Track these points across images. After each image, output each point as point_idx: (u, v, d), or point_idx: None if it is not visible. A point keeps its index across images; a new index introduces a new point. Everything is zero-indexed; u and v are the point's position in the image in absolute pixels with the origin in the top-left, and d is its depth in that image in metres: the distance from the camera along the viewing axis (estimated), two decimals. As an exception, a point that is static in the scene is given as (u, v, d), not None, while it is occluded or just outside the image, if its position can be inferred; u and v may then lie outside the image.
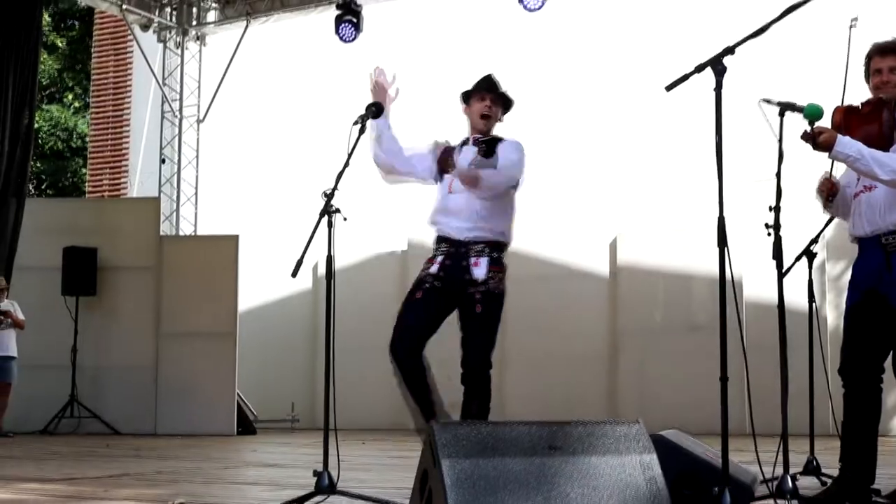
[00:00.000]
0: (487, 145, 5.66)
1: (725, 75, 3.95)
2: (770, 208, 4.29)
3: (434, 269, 5.62)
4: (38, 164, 26.00)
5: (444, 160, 5.73)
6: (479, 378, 5.89)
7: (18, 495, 5.35)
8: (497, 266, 5.64)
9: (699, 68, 3.98)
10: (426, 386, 5.88)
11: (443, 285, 5.60)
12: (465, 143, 5.80)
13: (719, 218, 3.93)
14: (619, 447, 3.52)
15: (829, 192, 4.87)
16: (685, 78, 4.01)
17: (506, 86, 5.96)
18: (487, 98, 5.81)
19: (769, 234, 4.28)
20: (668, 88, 4.03)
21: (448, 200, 5.68)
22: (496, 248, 5.65)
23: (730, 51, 3.96)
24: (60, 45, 28.10)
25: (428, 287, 5.61)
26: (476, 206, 5.57)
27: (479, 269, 5.58)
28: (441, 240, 5.71)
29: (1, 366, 12.21)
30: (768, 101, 4.33)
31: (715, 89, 3.93)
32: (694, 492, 3.89)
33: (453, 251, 5.60)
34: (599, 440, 3.52)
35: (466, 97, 5.93)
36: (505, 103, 5.90)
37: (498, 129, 5.77)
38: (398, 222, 14.43)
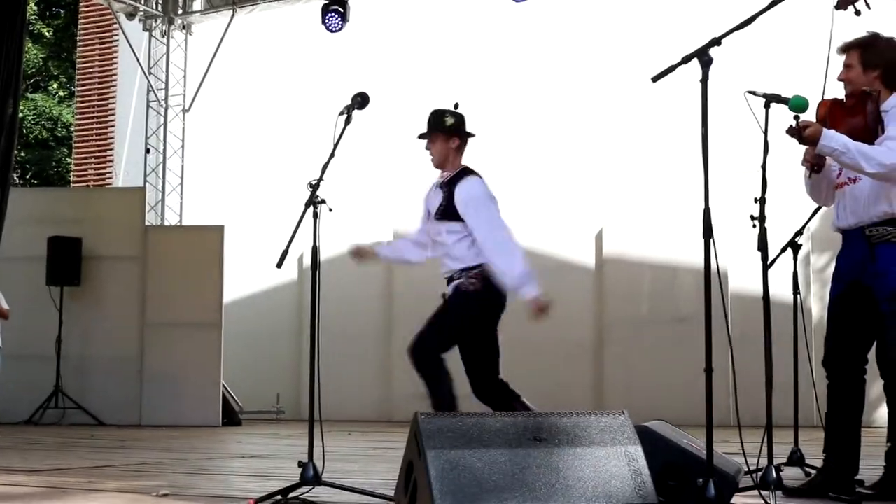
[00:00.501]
0: (447, 205, 6.01)
1: (712, 66, 3.95)
2: (755, 200, 4.29)
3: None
4: (23, 154, 25.90)
5: None
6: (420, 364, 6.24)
7: (3, 486, 5.33)
8: (472, 271, 6.03)
9: (686, 59, 3.98)
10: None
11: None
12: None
13: (705, 210, 3.93)
14: (604, 438, 3.53)
15: (815, 162, 4.82)
16: (672, 69, 4.02)
17: (459, 108, 6.25)
18: (427, 141, 6.14)
19: (754, 226, 4.28)
20: (655, 79, 4.03)
21: None
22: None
23: (716, 42, 3.97)
24: (46, 33, 27.99)
25: None
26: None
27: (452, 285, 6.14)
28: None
29: (-15, 356, 12.19)
30: (754, 93, 4.33)
31: (701, 80, 3.93)
32: (678, 483, 3.90)
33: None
34: (584, 431, 3.53)
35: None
36: (457, 131, 6.13)
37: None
38: (384, 213, 14.41)
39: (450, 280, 6.12)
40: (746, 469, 4.46)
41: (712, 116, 3.97)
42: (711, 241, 3.92)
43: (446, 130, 6.08)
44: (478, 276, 6.01)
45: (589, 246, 13.61)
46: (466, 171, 6.11)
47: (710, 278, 3.88)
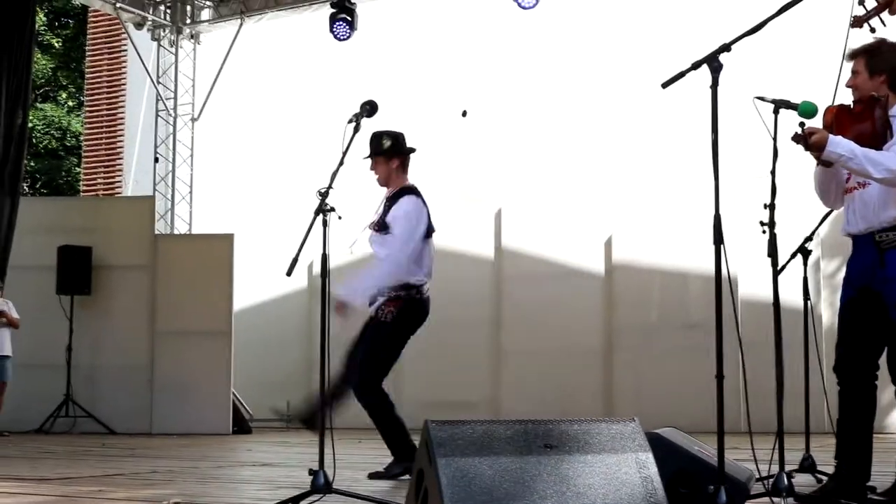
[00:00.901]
0: (382, 219, 6.45)
1: (721, 72, 3.95)
2: (765, 206, 4.29)
3: None
4: (33, 163, 25.98)
5: None
6: (360, 398, 6.41)
7: (13, 497, 5.34)
8: (391, 301, 6.26)
9: (695, 65, 3.98)
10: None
11: None
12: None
13: (715, 216, 3.92)
14: (614, 445, 3.52)
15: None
16: (681, 75, 4.01)
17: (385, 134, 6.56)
18: (371, 163, 6.57)
19: (764, 232, 4.27)
20: (665, 85, 4.03)
21: None
22: (398, 289, 6.28)
23: (726, 48, 3.96)
24: (55, 44, 28.08)
25: None
26: None
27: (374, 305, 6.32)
28: None
29: (-4, 365, 12.22)
30: (763, 99, 4.32)
31: (711, 86, 3.92)
32: (690, 490, 3.89)
33: None
34: (595, 438, 3.51)
35: None
36: (396, 152, 6.54)
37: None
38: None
39: (372, 301, 6.33)
40: (758, 476, 4.45)
41: (722, 122, 3.97)
42: (722, 247, 3.91)
43: (385, 153, 6.49)
44: (396, 305, 6.28)
45: (598, 252, 13.58)
46: (406, 190, 6.50)
47: (720, 285, 3.87)
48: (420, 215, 6.37)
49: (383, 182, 6.55)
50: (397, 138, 6.54)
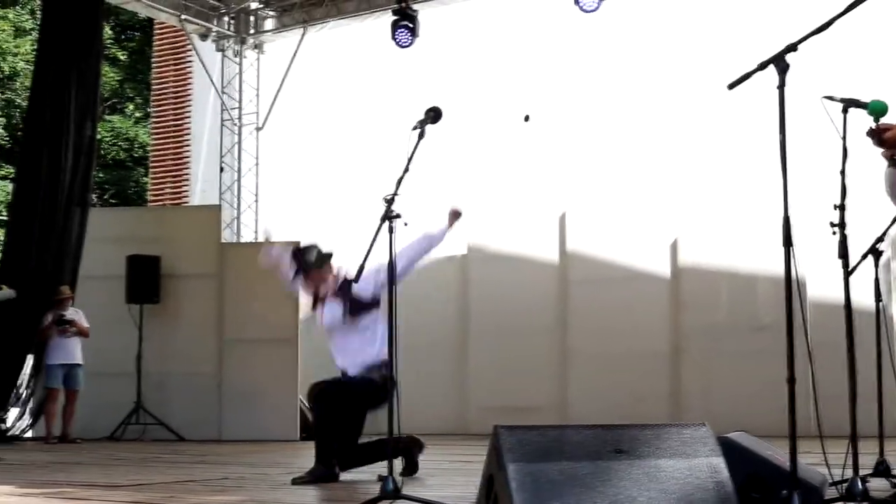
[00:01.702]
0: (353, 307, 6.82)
1: (788, 72, 3.89)
2: (835, 206, 4.23)
3: None
4: (101, 174, 26.35)
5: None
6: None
7: (86, 501, 5.41)
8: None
9: (762, 66, 3.92)
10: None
11: None
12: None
13: (784, 217, 3.87)
14: (685, 450, 3.49)
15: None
16: (748, 76, 3.96)
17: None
18: (318, 277, 7.14)
19: (834, 233, 4.22)
20: (731, 87, 3.98)
21: None
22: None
23: (793, 47, 3.91)
24: (121, 56, 28.47)
25: None
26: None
27: None
28: None
29: (68, 373, 12.41)
30: (831, 98, 4.27)
31: (778, 87, 3.87)
32: (762, 495, 3.85)
33: None
34: (666, 443, 3.49)
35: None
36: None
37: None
38: (456, 227, 14.39)
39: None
40: (831, 480, 4.39)
41: (789, 122, 3.92)
42: (791, 249, 3.85)
43: (329, 268, 7.04)
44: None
45: (664, 255, 13.48)
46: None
47: (790, 287, 3.82)
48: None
49: (332, 291, 6.95)
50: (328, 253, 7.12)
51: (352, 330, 6.79)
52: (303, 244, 7.15)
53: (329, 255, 6.98)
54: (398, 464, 6.33)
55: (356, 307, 6.76)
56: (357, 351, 6.74)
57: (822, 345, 4.92)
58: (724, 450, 3.57)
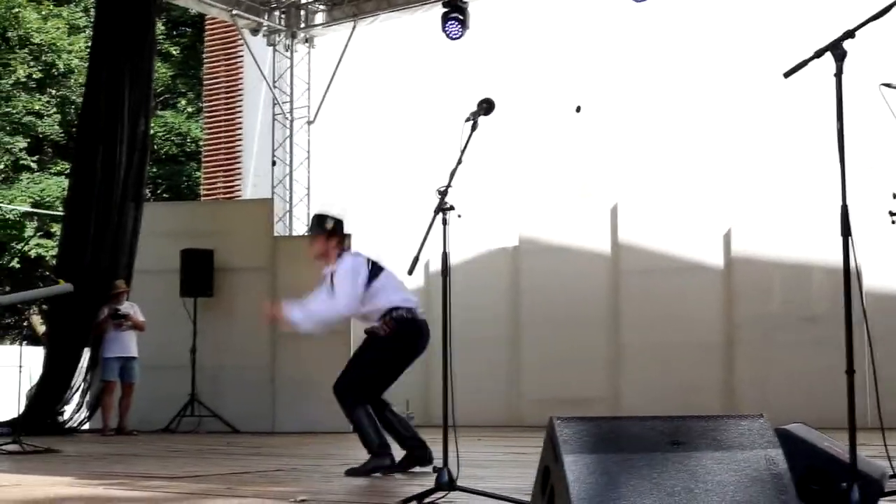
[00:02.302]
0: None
1: (845, 60, 3.84)
2: (893, 195, 4.17)
3: None
4: (154, 169, 26.61)
5: None
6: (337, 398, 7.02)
7: (147, 492, 5.48)
8: (386, 320, 6.87)
9: (819, 53, 3.87)
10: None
11: None
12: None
13: (842, 206, 3.81)
14: (743, 442, 3.46)
15: None
16: (804, 64, 3.91)
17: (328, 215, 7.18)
18: (310, 238, 7.30)
19: (893, 222, 4.16)
20: (787, 75, 3.93)
21: None
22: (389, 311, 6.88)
23: (850, 34, 3.85)
24: (173, 52, 28.71)
25: None
26: None
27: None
28: None
29: (124, 366, 12.54)
30: (889, 86, 4.21)
31: (835, 74, 3.81)
32: (821, 487, 3.80)
33: None
34: (723, 435, 3.46)
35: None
36: (336, 232, 7.13)
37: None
38: (508, 219, 14.42)
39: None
40: (892, 472, 4.33)
41: (846, 110, 3.86)
42: (850, 238, 3.80)
43: (327, 233, 7.05)
44: (390, 324, 6.85)
45: (717, 246, 13.38)
46: (343, 256, 7.10)
47: (849, 277, 3.77)
48: (357, 268, 6.94)
49: (318, 256, 7.12)
50: (340, 223, 7.16)
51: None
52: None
53: (336, 230, 7.10)
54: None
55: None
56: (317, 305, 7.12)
57: (880, 336, 4.86)
58: (781, 441, 3.54)
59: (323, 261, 7.09)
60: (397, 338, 6.86)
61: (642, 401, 12.70)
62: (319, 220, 7.14)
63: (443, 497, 4.52)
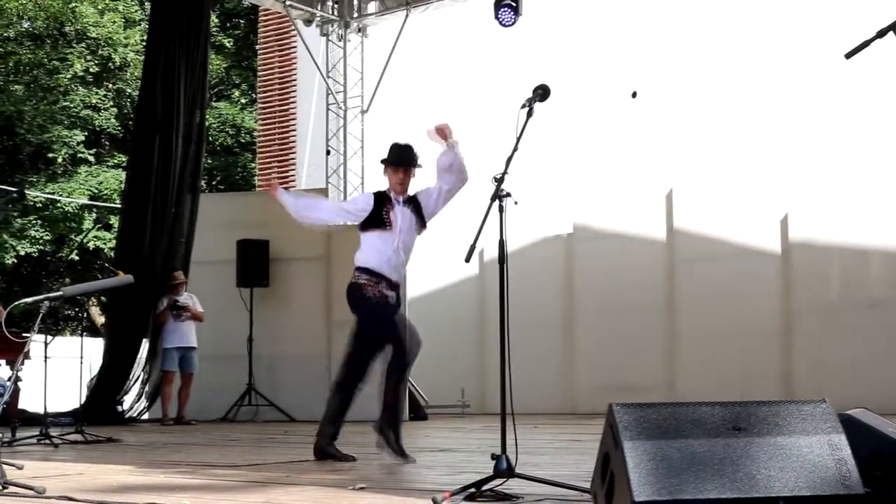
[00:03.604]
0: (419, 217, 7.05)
1: (909, 40, 3.77)
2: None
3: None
4: (210, 160, 26.82)
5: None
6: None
7: (206, 480, 5.53)
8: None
9: (881, 33, 3.79)
10: None
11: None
12: (388, 198, 7.06)
13: (905, 189, 3.75)
14: (805, 427, 3.43)
15: None
16: (866, 44, 3.84)
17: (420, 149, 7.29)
18: (401, 171, 7.12)
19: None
20: (849, 56, 3.87)
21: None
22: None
23: (913, 14, 3.79)
24: (227, 44, 28.90)
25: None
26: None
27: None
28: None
29: (183, 356, 12.67)
30: (953, 66, 4.13)
31: (898, 55, 3.76)
32: (885, 473, 3.76)
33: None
34: (785, 420, 3.43)
35: (385, 163, 7.19)
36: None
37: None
38: (563, 206, 14.37)
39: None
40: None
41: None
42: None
43: (416, 165, 7.22)
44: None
45: (774, 231, 13.25)
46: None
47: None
48: (366, 199, 7.14)
49: (405, 190, 7.13)
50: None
51: (409, 242, 7.01)
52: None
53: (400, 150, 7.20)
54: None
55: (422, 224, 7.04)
56: (403, 263, 7.03)
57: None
58: (845, 427, 3.50)
59: (399, 190, 7.07)
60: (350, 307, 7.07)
61: (698, 388, 12.61)
62: (410, 153, 7.29)
63: (502, 484, 4.52)
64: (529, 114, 4.97)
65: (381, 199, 6.98)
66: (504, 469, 4.54)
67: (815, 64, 12.44)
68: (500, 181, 4.73)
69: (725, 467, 3.28)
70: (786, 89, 13.22)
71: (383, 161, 7.16)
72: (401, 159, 7.14)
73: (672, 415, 3.39)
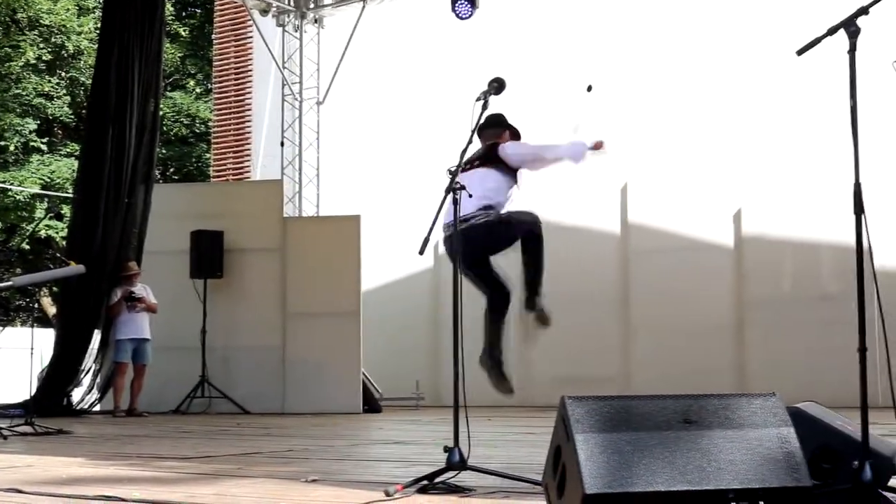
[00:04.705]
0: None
1: (859, 37, 3.81)
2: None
3: None
4: (164, 151, 26.63)
5: None
6: None
7: (157, 472, 5.49)
8: None
9: (831, 31, 3.84)
10: None
11: None
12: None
13: (855, 184, 3.79)
14: (755, 420, 3.45)
15: None
16: (817, 41, 3.88)
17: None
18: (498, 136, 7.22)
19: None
20: (800, 53, 3.90)
21: None
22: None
23: (864, 11, 3.82)
24: (182, 33, 28.68)
25: None
26: None
27: None
28: None
29: (137, 348, 12.58)
30: (902, 63, 4.18)
31: (849, 52, 3.79)
32: (833, 466, 3.80)
33: None
34: (735, 413, 3.46)
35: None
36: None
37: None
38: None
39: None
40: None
41: (858, 89, 3.84)
42: (862, 216, 3.78)
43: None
44: None
45: (727, 226, 13.37)
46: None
47: (861, 255, 3.76)
48: None
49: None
50: None
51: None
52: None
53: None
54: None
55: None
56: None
57: (891, 313, 4.83)
58: (794, 420, 3.53)
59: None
60: None
61: (652, 381, 12.70)
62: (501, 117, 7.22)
63: (454, 476, 4.52)
64: (484, 107, 4.98)
65: None
66: (457, 461, 4.54)
67: (767, 61, 12.54)
68: (454, 174, 4.72)
69: (676, 460, 3.29)
70: (739, 86, 13.31)
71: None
72: (497, 126, 7.27)
73: (623, 408, 3.40)
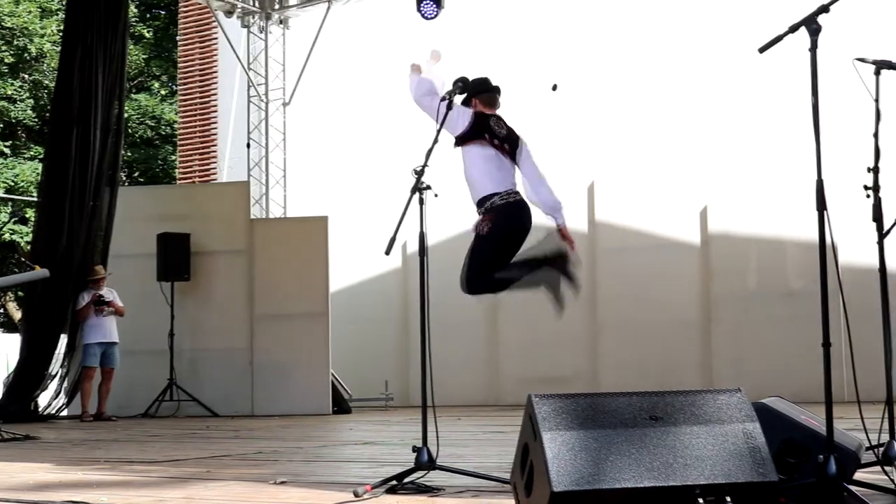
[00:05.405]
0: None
1: (820, 35, 3.84)
2: (868, 169, 4.19)
3: None
4: (129, 153, 26.45)
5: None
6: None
7: (125, 476, 5.47)
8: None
9: (793, 28, 3.87)
10: None
11: None
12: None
13: (818, 181, 3.83)
14: (721, 416, 3.48)
15: None
16: (778, 39, 3.91)
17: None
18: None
19: (868, 196, 4.18)
20: (762, 50, 3.93)
21: None
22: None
23: (824, 9, 3.86)
24: (147, 34, 28.52)
25: None
26: None
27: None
28: None
29: (105, 352, 12.51)
30: (863, 60, 4.22)
31: (810, 49, 3.81)
32: (798, 460, 3.83)
33: None
34: (701, 409, 3.48)
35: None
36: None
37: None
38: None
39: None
40: (867, 444, 4.37)
41: (820, 86, 3.87)
42: (825, 213, 3.81)
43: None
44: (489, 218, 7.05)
45: (694, 223, 13.44)
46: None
47: (825, 252, 3.79)
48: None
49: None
50: None
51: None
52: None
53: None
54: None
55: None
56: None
57: (855, 309, 4.88)
58: (759, 415, 3.56)
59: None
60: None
61: (620, 378, 12.76)
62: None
63: (423, 476, 4.53)
64: (449, 106, 5.00)
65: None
66: (425, 461, 4.55)
67: (730, 59, 12.61)
68: (419, 174, 4.73)
69: (643, 456, 3.32)
70: (704, 84, 13.38)
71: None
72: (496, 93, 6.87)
73: (590, 405, 3.42)
